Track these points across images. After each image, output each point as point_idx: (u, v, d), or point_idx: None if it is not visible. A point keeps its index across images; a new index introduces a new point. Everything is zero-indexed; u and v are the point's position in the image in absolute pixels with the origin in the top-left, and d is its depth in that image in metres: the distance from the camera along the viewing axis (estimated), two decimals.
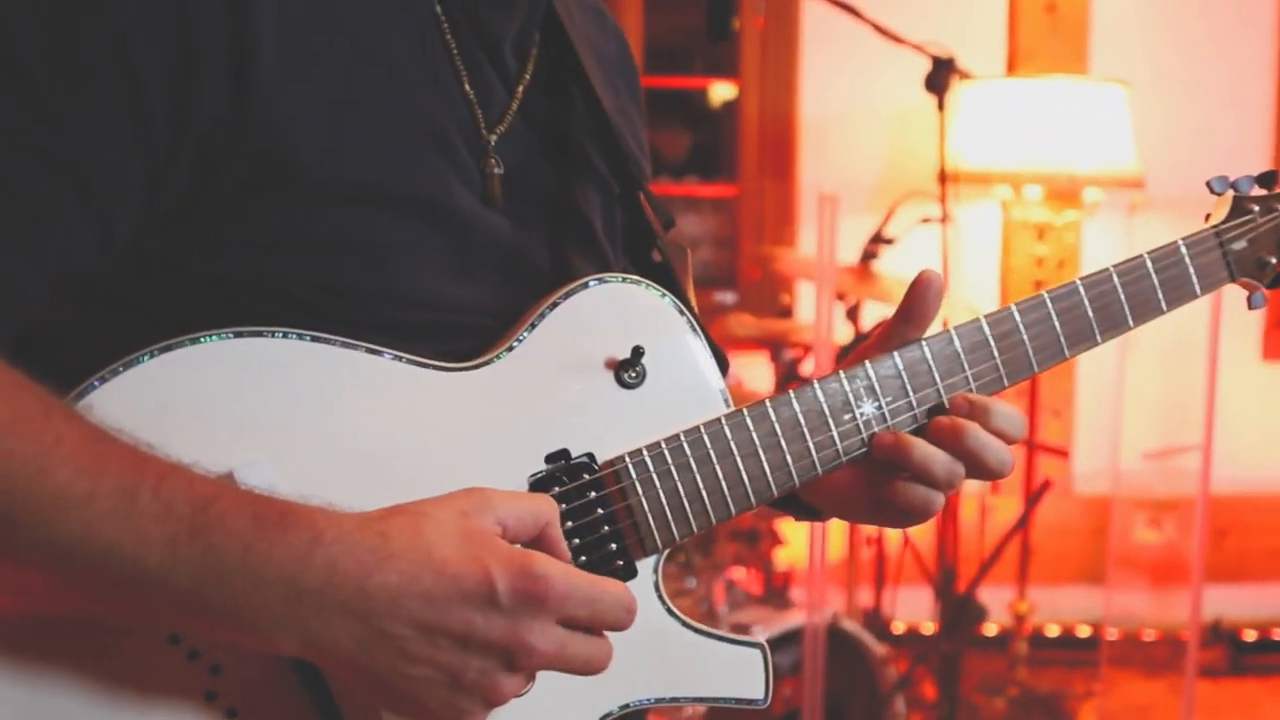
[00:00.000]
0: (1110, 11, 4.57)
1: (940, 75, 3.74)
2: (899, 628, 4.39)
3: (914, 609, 4.36)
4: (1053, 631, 4.63)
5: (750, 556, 3.51)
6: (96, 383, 1.01)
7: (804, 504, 1.36)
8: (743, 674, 1.23)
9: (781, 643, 3.26)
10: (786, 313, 4.33)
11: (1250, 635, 4.69)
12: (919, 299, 1.26)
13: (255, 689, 1.05)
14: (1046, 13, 4.54)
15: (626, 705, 1.19)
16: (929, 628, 4.26)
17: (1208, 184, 1.38)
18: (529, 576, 0.98)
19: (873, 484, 1.27)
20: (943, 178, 3.82)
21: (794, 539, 3.65)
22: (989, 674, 4.30)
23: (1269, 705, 4.46)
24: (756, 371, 4.11)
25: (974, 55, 4.18)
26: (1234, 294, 1.40)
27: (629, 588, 1.06)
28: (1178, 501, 4.20)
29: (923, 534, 4.23)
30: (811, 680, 3.13)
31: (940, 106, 3.78)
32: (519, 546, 1.03)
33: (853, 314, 3.75)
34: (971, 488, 4.26)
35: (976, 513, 4.40)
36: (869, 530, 3.97)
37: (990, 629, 4.47)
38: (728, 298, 4.66)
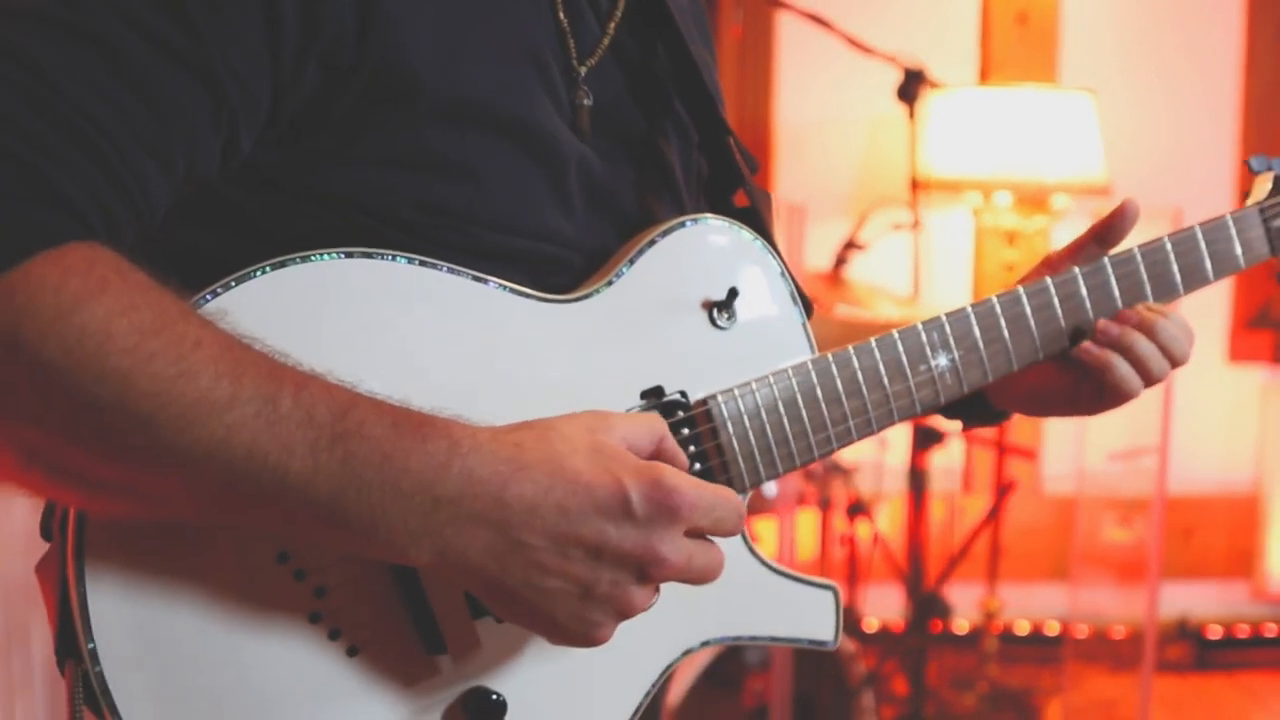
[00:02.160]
0: (1080, 22, 4.65)
1: (911, 85, 3.83)
2: (872, 625, 4.48)
3: (886, 607, 4.44)
4: (1022, 628, 4.72)
5: None
6: (209, 296, 1.00)
7: (987, 408, 1.43)
8: (814, 615, 1.26)
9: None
10: None
11: (1215, 632, 4.79)
12: (1115, 224, 1.36)
13: (358, 612, 1.05)
14: (1017, 23, 4.63)
15: (706, 642, 1.22)
16: (901, 625, 4.34)
17: (1246, 163, 1.46)
18: (661, 488, 0.99)
19: (1071, 377, 1.37)
20: (914, 185, 3.92)
21: (766, 536, 3.74)
22: (960, 670, 4.38)
23: (1233, 701, 4.54)
24: None
25: (947, 65, 4.27)
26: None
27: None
28: (1143, 501, 4.29)
29: (894, 534, 4.32)
30: (780, 675, 3.21)
31: (911, 116, 3.87)
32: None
33: None
34: (940, 488, 4.35)
35: (946, 513, 4.50)
36: (841, 529, 4.05)
37: (961, 626, 4.56)
38: None
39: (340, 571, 1.05)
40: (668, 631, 1.19)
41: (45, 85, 0.92)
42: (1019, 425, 4.63)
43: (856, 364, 1.25)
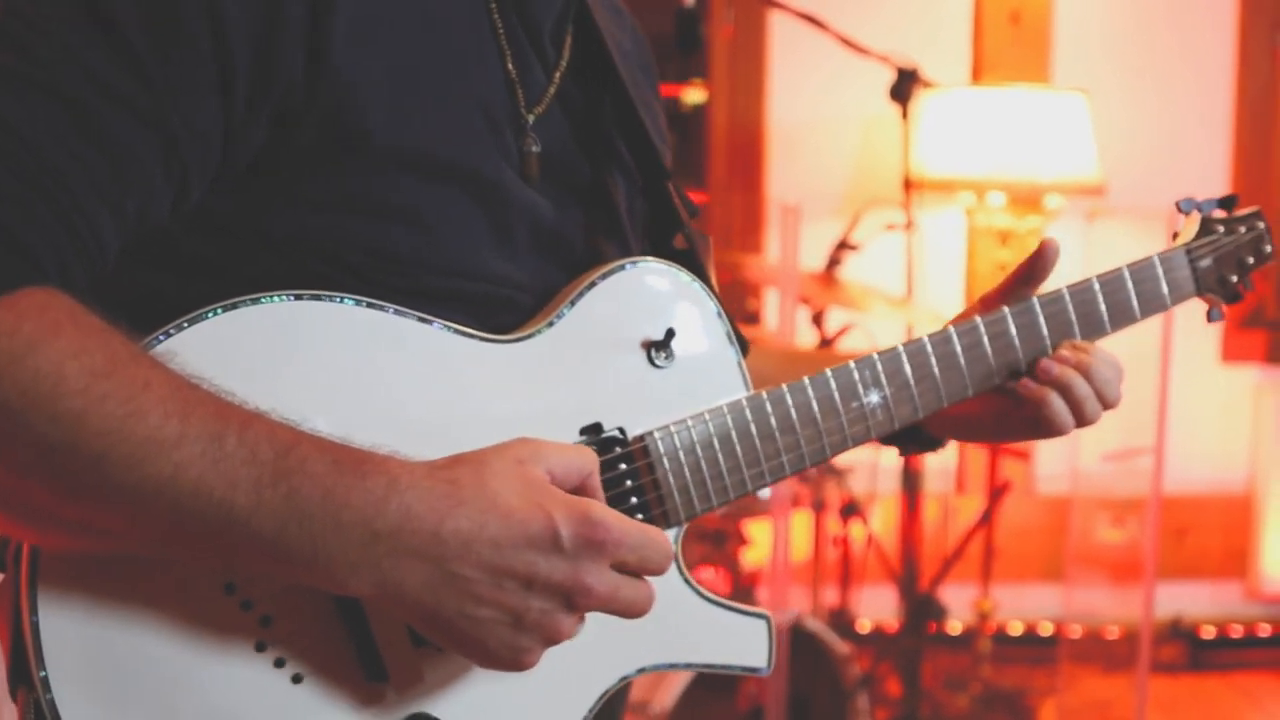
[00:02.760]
0: (1073, 22, 4.64)
1: (904, 85, 3.82)
2: (865, 626, 4.47)
3: (879, 608, 4.44)
4: (1016, 629, 4.71)
5: (718, 556, 3.57)
6: (162, 337, 1.03)
7: (923, 437, 1.47)
8: (747, 643, 1.30)
9: None
10: (754, 318, 4.41)
11: (1209, 632, 4.79)
12: (1040, 263, 1.40)
13: (303, 641, 1.09)
14: (1010, 23, 4.62)
15: (642, 669, 1.25)
16: (894, 626, 4.34)
17: (1176, 204, 1.49)
18: (589, 523, 1.03)
19: (999, 407, 1.41)
20: (907, 185, 3.91)
21: (760, 539, 3.73)
22: (953, 671, 4.37)
23: (1227, 701, 4.55)
24: None
25: (939, 64, 4.26)
26: (1191, 300, 1.51)
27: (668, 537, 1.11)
28: (1137, 501, 4.29)
29: (887, 534, 4.32)
30: (775, 677, 3.21)
31: (904, 115, 3.86)
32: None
33: (818, 319, 3.82)
34: (935, 489, 4.34)
35: (940, 513, 4.49)
36: (835, 530, 4.05)
37: (955, 627, 4.55)
38: None
39: (285, 601, 1.08)
40: (604, 659, 1.23)
41: (1, 132, 0.94)
42: None
43: (790, 401, 1.29)
